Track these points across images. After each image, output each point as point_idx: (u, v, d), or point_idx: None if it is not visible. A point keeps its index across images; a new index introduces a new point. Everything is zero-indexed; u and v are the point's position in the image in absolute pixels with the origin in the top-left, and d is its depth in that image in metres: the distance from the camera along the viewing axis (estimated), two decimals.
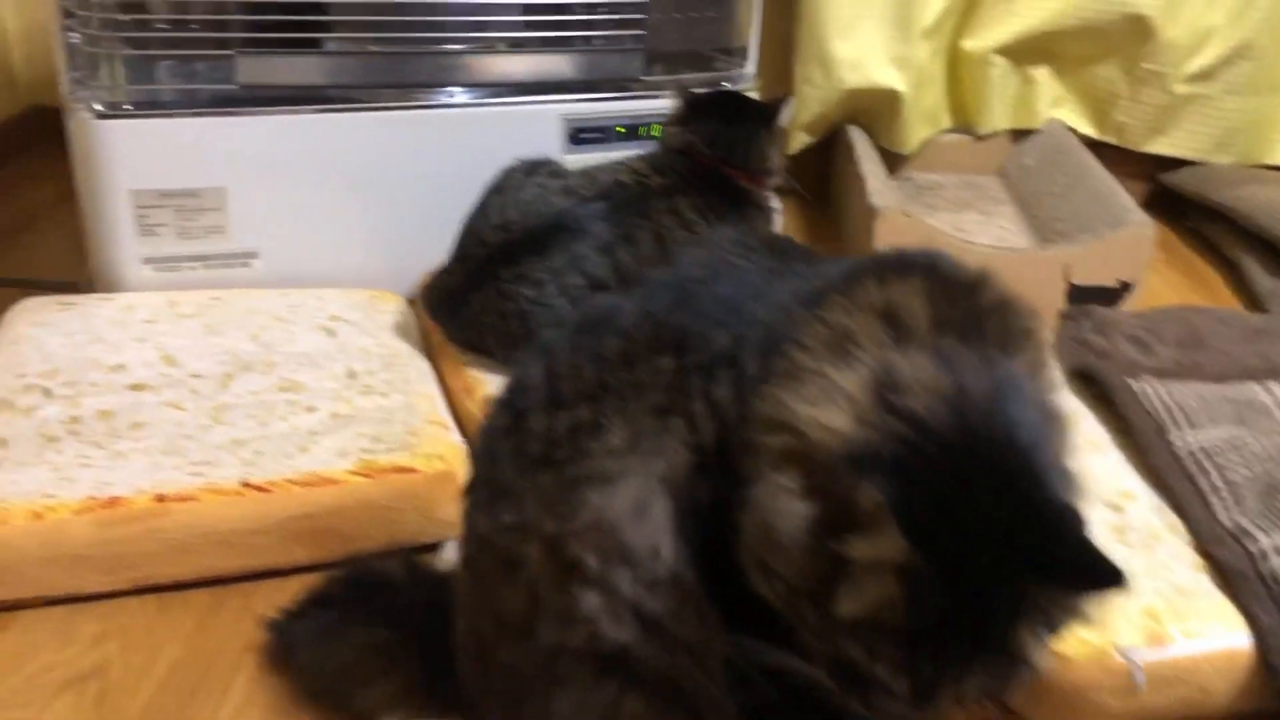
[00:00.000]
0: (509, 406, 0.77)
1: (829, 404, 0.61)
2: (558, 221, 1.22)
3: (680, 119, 1.35)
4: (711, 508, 0.66)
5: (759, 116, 1.34)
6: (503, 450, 0.75)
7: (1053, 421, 0.64)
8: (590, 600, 0.69)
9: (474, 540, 0.78)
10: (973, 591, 0.57)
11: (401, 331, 1.35)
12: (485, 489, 0.77)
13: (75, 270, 1.64)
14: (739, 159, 1.31)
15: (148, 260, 1.38)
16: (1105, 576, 0.57)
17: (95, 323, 1.29)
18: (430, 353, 1.34)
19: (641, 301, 0.74)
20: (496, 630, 0.76)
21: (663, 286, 0.75)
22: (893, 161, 1.99)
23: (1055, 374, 0.69)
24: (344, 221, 1.44)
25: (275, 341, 1.28)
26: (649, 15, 1.47)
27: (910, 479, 0.57)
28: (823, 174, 2.02)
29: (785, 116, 1.35)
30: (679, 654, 0.69)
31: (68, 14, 1.30)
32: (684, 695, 0.70)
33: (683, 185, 1.27)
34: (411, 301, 1.47)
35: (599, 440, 0.70)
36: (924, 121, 2.00)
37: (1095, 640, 0.87)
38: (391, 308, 1.41)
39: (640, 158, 1.32)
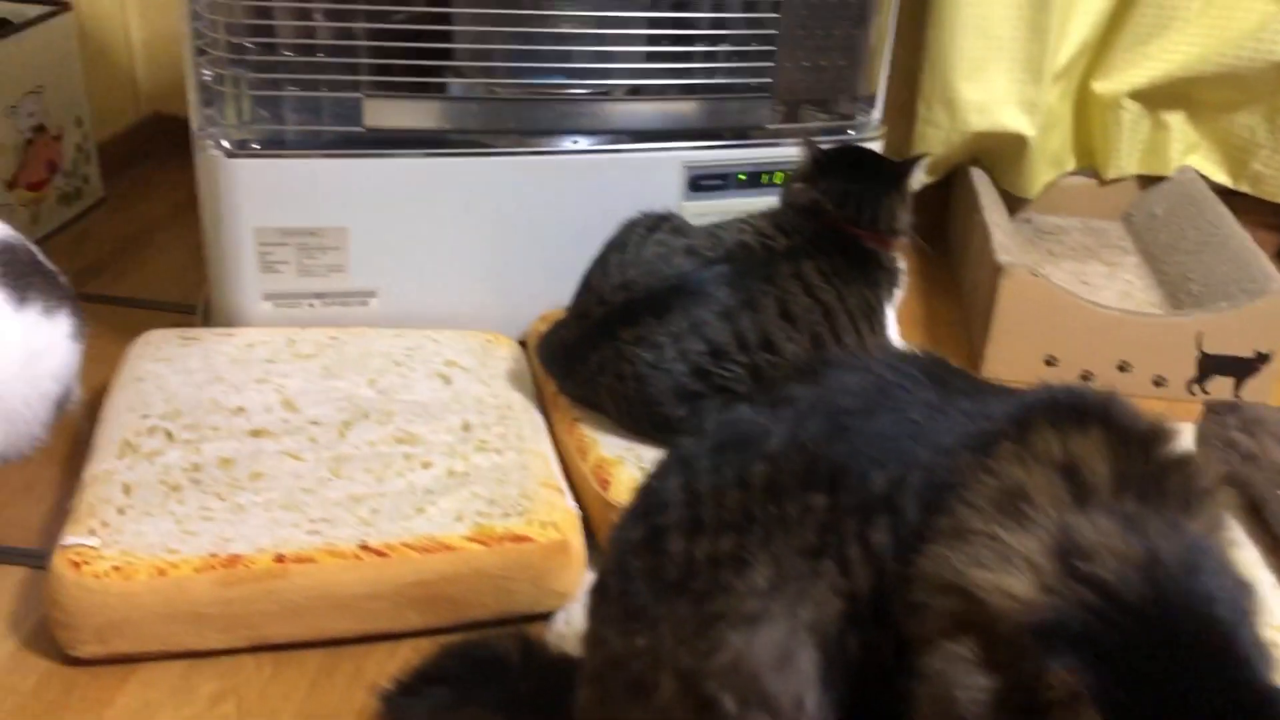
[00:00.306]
0: (644, 519, 0.75)
1: (1007, 568, 0.58)
2: (679, 284, 1.19)
3: (807, 175, 1.31)
4: (861, 661, 0.63)
5: (889, 175, 1.30)
6: (637, 568, 0.73)
7: (1246, 592, 0.60)
8: None
9: (602, 656, 0.77)
10: None
11: (515, 380, 1.34)
12: (617, 605, 0.75)
13: (191, 290, 1.66)
14: (867, 219, 1.28)
15: (268, 296, 1.39)
16: None
17: (216, 360, 1.30)
18: (543, 403, 1.33)
19: (791, 426, 0.71)
20: None
21: (813, 412, 0.72)
22: (1012, 201, 1.93)
23: (1234, 533, 0.65)
24: (460, 263, 1.44)
25: (392, 388, 1.28)
26: (777, 63, 1.43)
27: (1104, 657, 0.53)
28: (940, 215, 1.97)
29: (916, 177, 1.31)
30: None
31: (200, 51, 1.31)
32: None
33: (808, 247, 1.24)
34: (523, 343, 1.46)
35: (741, 577, 0.67)
36: (1049, 165, 1.93)
37: None
38: (505, 353, 1.40)
39: (764, 216, 1.28)
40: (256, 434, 1.19)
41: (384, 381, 1.30)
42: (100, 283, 1.70)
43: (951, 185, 1.96)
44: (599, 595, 0.79)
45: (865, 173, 1.30)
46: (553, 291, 1.47)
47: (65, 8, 1.82)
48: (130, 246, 1.83)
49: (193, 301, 1.64)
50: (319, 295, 1.40)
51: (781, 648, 0.65)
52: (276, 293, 1.39)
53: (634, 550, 0.75)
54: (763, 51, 1.44)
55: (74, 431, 1.33)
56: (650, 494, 0.77)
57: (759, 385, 1.17)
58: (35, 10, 1.76)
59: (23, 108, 1.73)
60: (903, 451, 0.67)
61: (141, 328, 1.56)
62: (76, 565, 0.99)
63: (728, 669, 0.66)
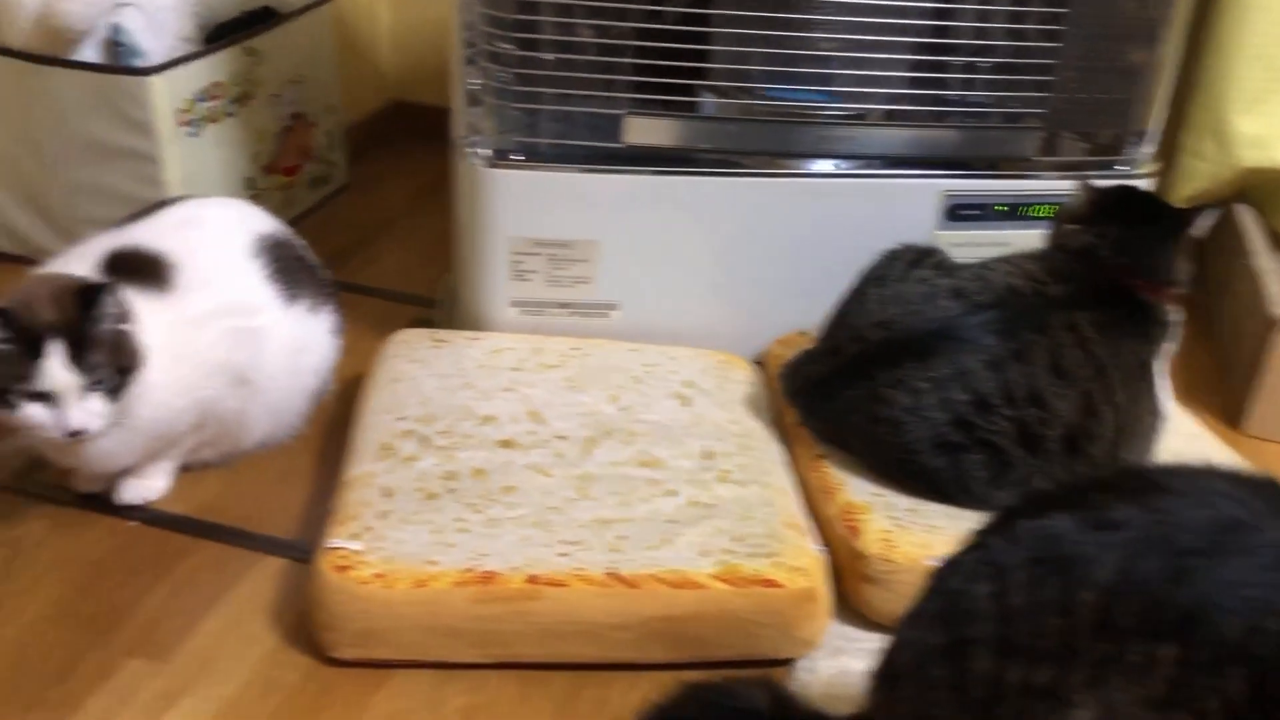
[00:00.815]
0: (946, 625, 0.72)
1: None
2: (945, 328, 1.15)
3: (1081, 216, 1.24)
4: None
5: (1172, 222, 1.22)
6: (938, 677, 0.71)
7: None
8: None
9: None
10: None
11: (753, 406, 1.32)
12: (910, 710, 0.73)
13: (428, 280, 1.70)
14: (1145, 269, 1.20)
15: (515, 303, 1.41)
16: None
17: (466, 365, 1.33)
18: (782, 433, 1.30)
19: (1122, 558, 0.67)
20: None
21: (1150, 547, 0.66)
22: (1274, 238, 1.79)
23: None
24: (701, 281, 1.43)
25: (633, 406, 1.28)
26: (1052, 91, 1.36)
27: None
28: (1197, 253, 1.85)
29: (1203, 227, 1.23)
30: None
31: (470, 61, 1.32)
32: None
33: (1082, 297, 1.17)
34: (758, 363, 1.44)
35: (1059, 716, 0.64)
36: None
37: None
38: (742, 376, 1.38)
39: (1034, 259, 1.22)
40: (506, 445, 1.20)
41: (625, 399, 1.29)
42: (346, 269, 1.76)
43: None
44: (887, 688, 0.76)
45: (1146, 218, 1.22)
46: (791, 314, 1.44)
47: None
48: (371, 233, 1.89)
49: (432, 295, 1.68)
50: (563, 305, 1.41)
51: None
52: (523, 300, 1.41)
53: (934, 656, 0.72)
54: (1037, 81, 1.37)
55: (326, 421, 1.38)
56: (953, 597, 0.73)
57: (1024, 441, 1.12)
58: (302, 1, 1.83)
59: (285, 96, 1.80)
60: (1257, 599, 0.62)
61: (383, 318, 1.62)
62: (341, 570, 1.02)
63: None
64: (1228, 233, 1.74)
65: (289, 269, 1.27)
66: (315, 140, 1.91)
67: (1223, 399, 1.56)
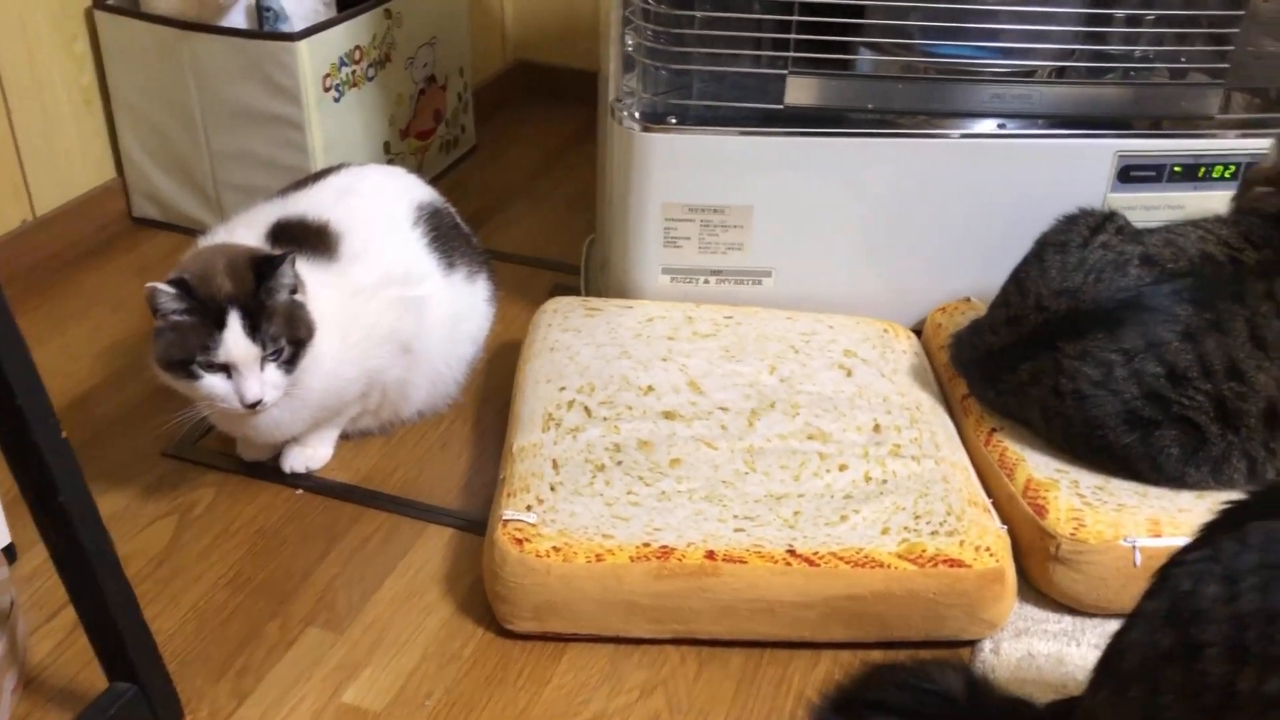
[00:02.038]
0: (1175, 626, 0.69)
1: None
2: (1136, 297, 1.09)
3: (1275, 178, 1.17)
4: None
5: None
6: (1167, 680, 0.67)
7: None
8: None
9: None
10: None
11: (918, 376, 1.28)
12: (1139, 711, 0.69)
13: (566, 245, 1.69)
14: None
15: (667, 270, 1.38)
16: None
17: (620, 334, 1.30)
18: (949, 406, 1.26)
19: None
20: None
21: None
22: None
23: None
24: (857, 247, 1.38)
25: (793, 376, 1.25)
26: (1236, 45, 1.28)
27: None
28: None
29: None
30: None
31: (626, 22, 1.29)
32: None
33: None
34: (917, 332, 1.40)
35: None
36: None
37: None
38: (904, 345, 1.34)
39: (1227, 224, 1.16)
40: (668, 416, 1.18)
41: (784, 369, 1.26)
42: (482, 234, 1.74)
43: None
44: (1114, 688, 0.73)
45: None
46: (955, 282, 1.40)
47: None
48: (503, 198, 1.87)
49: (570, 260, 1.66)
50: (715, 272, 1.38)
51: None
52: (675, 268, 1.38)
53: (1163, 658, 0.68)
54: (1219, 34, 1.30)
55: (479, 389, 1.37)
56: (1181, 598, 0.70)
57: (1221, 416, 1.06)
58: None
59: (419, 59, 1.78)
60: None
61: (521, 284, 1.61)
62: (519, 542, 1.01)
63: None
64: None
65: (447, 237, 1.26)
66: (447, 103, 1.90)
67: None
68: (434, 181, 1.87)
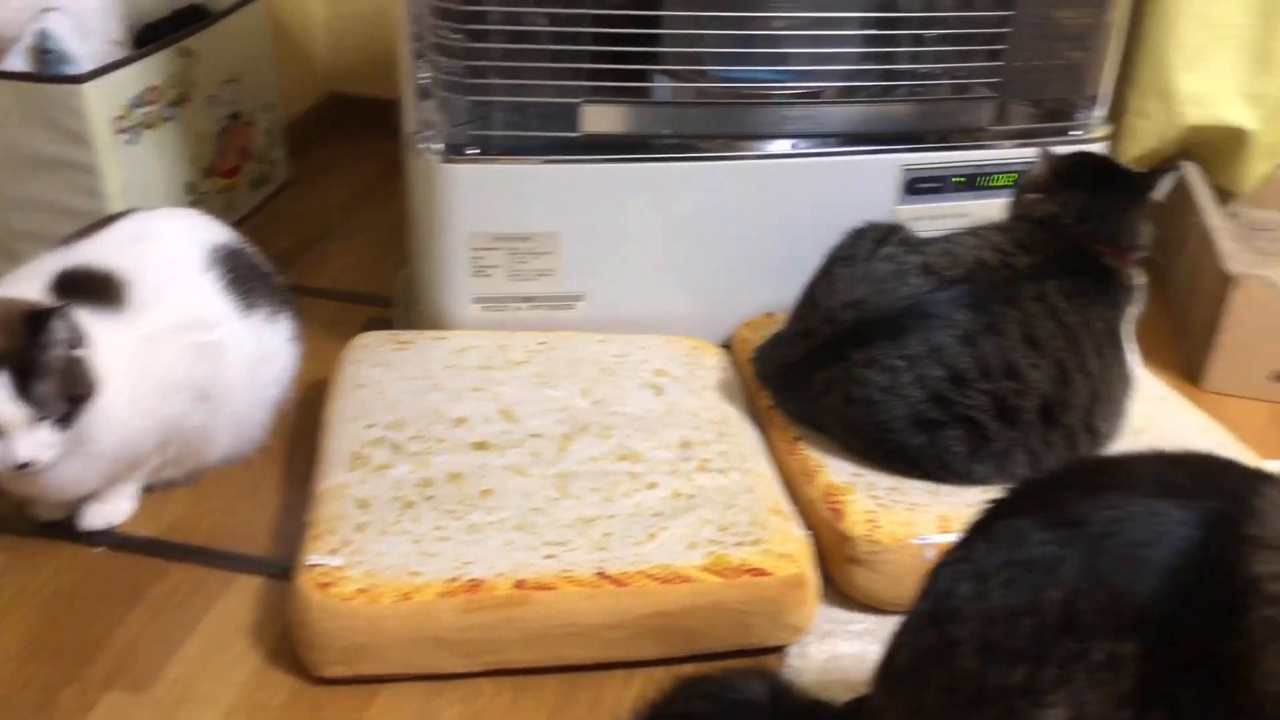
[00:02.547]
0: (937, 625, 0.73)
1: None
2: (916, 305, 1.14)
3: (1043, 185, 1.25)
4: None
5: (1133, 188, 1.23)
6: (932, 678, 0.71)
7: None
8: None
9: None
10: None
11: (726, 391, 1.31)
12: (910, 710, 0.73)
13: (381, 278, 1.67)
14: (1109, 235, 1.21)
15: (477, 299, 1.38)
16: None
17: (431, 366, 1.30)
18: (756, 417, 1.30)
19: (1085, 556, 0.67)
20: None
21: (1107, 544, 0.67)
22: (1220, 195, 1.82)
23: None
24: (666, 267, 1.41)
25: (607, 399, 1.27)
26: (1007, 60, 1.36)
27: None
28: None
29: (1164, 190, 1.24)
30: None
31: (419, 55, 1.29)
32: None
33: (1050, 266, 1.18)
34: (726, 346, 1.44)
35: (1034, 716, 0.65)
36: (1266, 157, 1.82)
37: None
38: (713, 361, 1.37)
39: (1000, 231, 1.22)
40: (480, 447, 1.18)
41: (598, 391, 1.28)
42: (294, 271, 1.72)
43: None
44: (891, 687, 0.76)
45: (1107, 184, 1.23)
46: (759, 297, 1.44)
47: None
48: (318, 232, 1.84)
49: (385, 293, 1.65)
50: (527, 299, 1.39)
51: None
52: (485, 296, 1.38)
53: (928, 657, 0.72)
54: (989, 50, 1.37)
55: (289, 431, 1.34)
56: (941, 598, 0.74)
57: (1001, 414, 1.12)
58: None
59: (221, 96, 1.75)
60: (1205, 584, 0.63)
61: (337, 319, 1.59)
62: (323, 586, 1.00)
63: None
64: (1176, 191, 1.76)
65: (244, 278, 1.24)
66: (254, 139, 1.86)
67: (1182, 357, 1.59)
68: (245, 219, 1.85)
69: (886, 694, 0.78)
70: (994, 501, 0.79)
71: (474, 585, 1.01)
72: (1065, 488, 0.75)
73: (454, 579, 1.01)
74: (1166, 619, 0.65)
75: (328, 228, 1.86)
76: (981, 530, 0.77)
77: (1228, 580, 0.62)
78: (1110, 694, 0.65)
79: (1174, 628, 0.64)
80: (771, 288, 1.42)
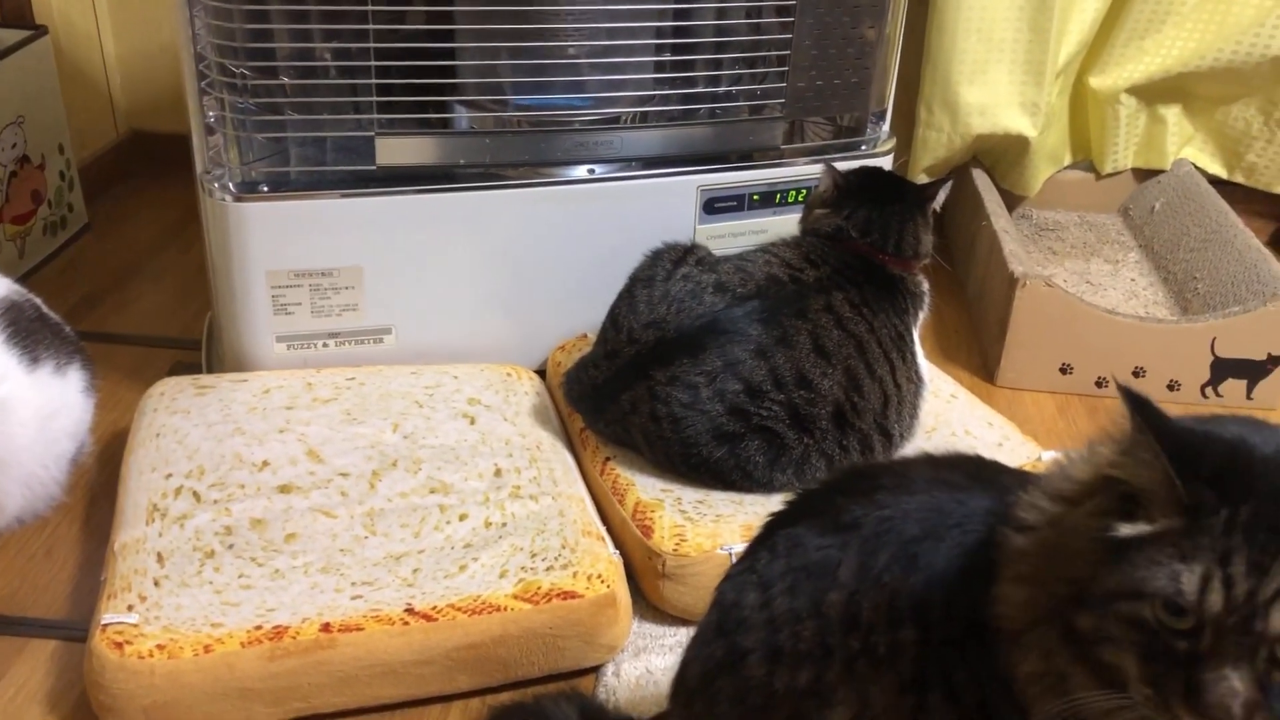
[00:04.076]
0: (724, 635, 0.75)
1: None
2: (712, 322, 1.18)
3: (829, 201, 1.30)
4: None
5: (913, 199, 1.29)
6: (722, 689, 0.73)
7: None
8: None
9: None
10: None
11: (540, 416, 1.32)
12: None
13: (187, 320, 1.63)
14: (892, 245, 1.27)
15: (281, 338, 1.36)
16: None
17: (234, 410, 1.27)
18: (570, 440, 1.31)
19: (860, 555, 0.71)
20: None
21: (881, 541, 0.71)
22: (1009, 198, 1.93)
23: None
24: (475, 296, 1.41)
25: (417, 431, 1.26)
26: (789, 82, 1.41)
27: None
28: (938, 217, 1.96)
29: (941, 199, 1.30)
30: None
31: (204, 92, 1.27)
32: None
33: (837, 278, 1.23)
34: (541, 372, 1.45)
35: (821, 713, 0.68)
36: (1048, 161, 1.93)
37: None
38: (527, 387, 1.38)
39: (789, 246, 1.27)
40: (285, 490, 1.16)
41: (408, 425, 1.27)
42: (96, 317, 1.66)
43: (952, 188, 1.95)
44: (685, 702, 0.78)
45: (888, 196, 1.29)
46: (570, 320, 1.45)
47: (42, 31, 1.76)
48: (121, 276, 1.78)
49: (193, 335, 1.60)
50: (333, 335, 1.38)
51: None
52: (289, 334, 1.36)
53: (717, 669, 0.74)
54: (775, 72, 1.42)
55: (87, 484, 1.30)
56: (728, 610, 0.76)
57: (796, 422, 1.16)
58: (13, 36, 1.70)
59: (5, 139, 1.67)
60: (974, 572, 0.67)
61: (141, 365, 1.54)
62: (119, 646, 0.96)
63: None
64: (966, 197, 1.86)
65: (27, 330, 1.19)
66: (47, 183, 1.78)
67: (979, 356, 1.67)
68: (41, 266, 1.78)
69: (681, 709, 0.80)
70: (773, 514, 0.82)
71: (278, 632, 0.99)
72: (840, 494, 0.78)
73: (257, 627, 0.99)
74: (940, 604, 0.68)
75: (132, 271, 1.80)
76: (763, 541, 0.80)
77: (989, 560, 0.66)
78: (892, 683, 0.67)
79: (947, 612, 0.68)
80: (583, 310, 1.44)
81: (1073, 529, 0.62)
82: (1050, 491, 0.66)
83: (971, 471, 0.76)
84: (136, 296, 1.73)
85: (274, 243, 1.31)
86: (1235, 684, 0.54)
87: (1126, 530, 0.58)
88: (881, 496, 0.74)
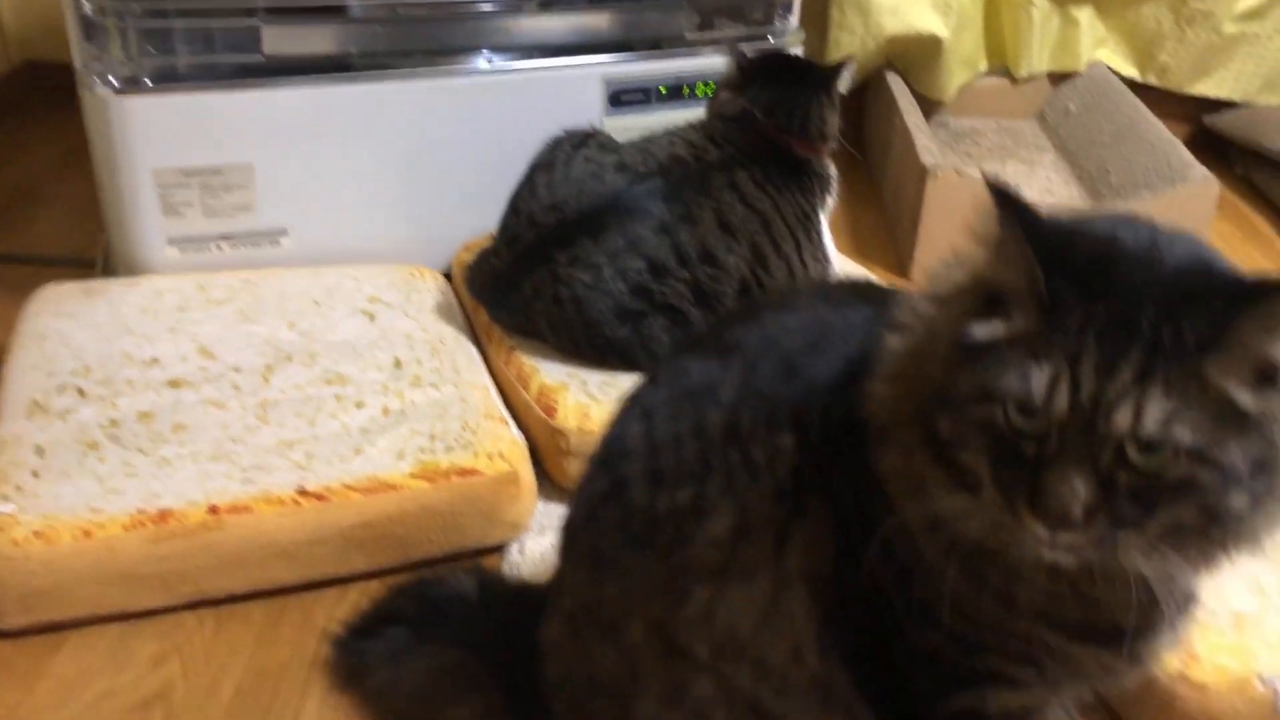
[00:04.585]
0: (608, 468, 0.73)
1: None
2: (614, 202, 1.15)
3: (734, 84, 1.28)
4: (871, 597, 0.62)
5: (817, 81, 1.27)
6: (605, 519, 0.71)
7: None
8: (703, 686, 0.67)
9: (573, 599, 0.74)
10: None
11: (444, 313, 1.29)
12: (588, 555, 0.73)
13: (87, 243, 1.57)
14: (798, 127, 1.25)
15: (173, 241, 1.31)
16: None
17: (124, 311, 1.23)
18: (475, 335, 1.28)
19: (742, 373, 0.69)
20: (589, 691, 0.73)
21: (763, 357, 0.69)
22: (926, 106, 1.92)
23: None
24: (375, 195, 1.37)
25: (314, 329, 1.22)
26: None
27: None
28: (855, 121, 1.95)
29: (845, 81, 1.28)
30: None
31: None
32: None
33: (741, 157, 1.21)
34: (448, 275, 1.41)
35: (701, 528, 0.66)
36: (962, 67, 1.92)
37: (1236, 667, 0.83)
38: (430, 285, 1.35)
39: (695, 128, 1.25)
40: (175, 385, 1.12)
41: (305, 323, 1.23)
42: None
43: (866, 91, 1.94)
44: (569, 540, 0.76)
45: (793, 79, 1.27)
46: (475, 219, 1.42)
47: None
48: (18, 201, 1.72)
49: (91, 255, 1.55)
50: (226, 237, 1.33)
51: (763, 600, 0.64)
52: (181, 237, 1.31)
53: (600, 500, 0.72)
54: None
55: None
56: (613, 442, 0.74)
57: (700, 300, 1.14)
58: None
59: None
60: (856, 380, 0.65)
61: (35, 284, 1.48)
62: None
63: (698, 620, 0.66)
64: (880, 99, 1.85)
65: None
66: None
67: (894, 254, 1.66)
68: None
69: (568, 552, 0.78)
70: (659, 359, 0.80)
71: (163, 515, 0.95)
72: (724, 324, 0.76)
73: (141, 510, 0.95)
74: (819, 410, 0.66)
75: (30, 197, 1.74)
76: (648, 379, 0.78)
77: (867, 365, 0.64)
78: (769, 488, 0.66)
79: (826, 416, 0.66)
80: (487, 209, 1.39)
81: (938, 331, 0.60)
82: (929, 294, 0.64)
83: (859, 291, 0.75)
84: (34, 220, 1.67)
85: (159, 139, 1.26)
86: (1076, 485, 0.53)
87: (980, 331, 0.57)
88: (765, 316, 0.73)
